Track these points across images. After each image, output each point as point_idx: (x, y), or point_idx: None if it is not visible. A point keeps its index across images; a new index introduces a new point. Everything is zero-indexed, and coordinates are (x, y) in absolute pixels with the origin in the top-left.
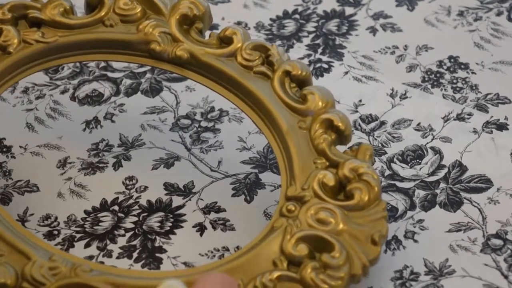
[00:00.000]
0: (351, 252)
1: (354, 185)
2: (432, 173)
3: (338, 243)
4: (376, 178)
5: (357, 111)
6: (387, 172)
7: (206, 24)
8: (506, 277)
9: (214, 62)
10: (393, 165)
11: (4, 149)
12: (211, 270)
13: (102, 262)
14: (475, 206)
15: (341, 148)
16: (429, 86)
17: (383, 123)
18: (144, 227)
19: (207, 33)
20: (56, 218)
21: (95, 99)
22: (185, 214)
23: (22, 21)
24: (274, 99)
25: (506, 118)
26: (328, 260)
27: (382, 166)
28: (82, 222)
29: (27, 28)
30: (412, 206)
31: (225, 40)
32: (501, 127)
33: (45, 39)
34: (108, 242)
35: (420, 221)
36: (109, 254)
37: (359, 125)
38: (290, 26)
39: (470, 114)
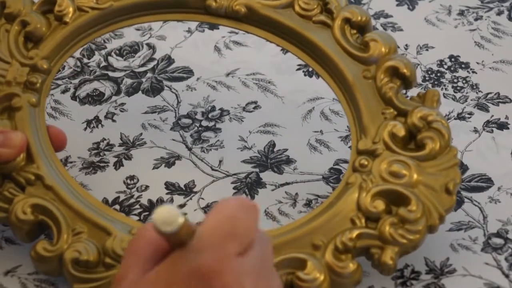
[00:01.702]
0: (427, 204)
1: (425, 134)
2: None
3: (414, 196)
4: (446, 125)
5: None
6: None
7: None
8: (507, 276)
9: (272, 14)
10: None
11: None
12: (290, 231)
13: None
14: (475, 205)
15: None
16: (429, 86)
17: None
18: None
19: None
20: None
21: (96, 98)
22: (186, 214)
23: None
24: (337, 49)
25: (506, 118)
26: (406, 214)
27: None
28: None
29: None
30: None
31: None
32: (502, 126)
33: (100, 5)
34: None
35: None
36: None
37: None
38: None
39: (470, 114)
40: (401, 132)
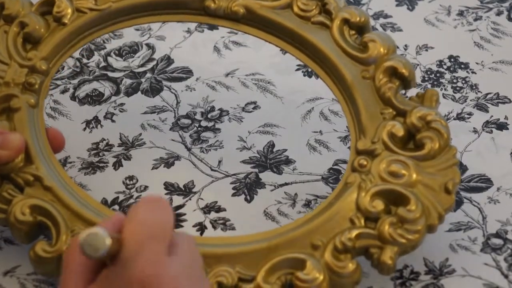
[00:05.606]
0: (426, 203)
1: (424, 134)
2: None
3: (413, 196)
4: (445, 125)
5: None
6: None
7: None
8: (506, 276)
9: (270, 14)
10: None
11: None
12: (289, 231)
13: None
14: (475, 206)
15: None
16: (429, 86)
17: None
18: None
19: None
20: None
21: (95, 98)
22: (185, 214)
23: None
24: (335, 50)
25: (506, 118)
26: (405, 214)
27: None
28: None
29: None
30: None
31: None
32: (501, 126)
33: (98, 6)
34: None
35: None
36: None
37: None
38: None
39: (470, 114)
40: (400, 132)
